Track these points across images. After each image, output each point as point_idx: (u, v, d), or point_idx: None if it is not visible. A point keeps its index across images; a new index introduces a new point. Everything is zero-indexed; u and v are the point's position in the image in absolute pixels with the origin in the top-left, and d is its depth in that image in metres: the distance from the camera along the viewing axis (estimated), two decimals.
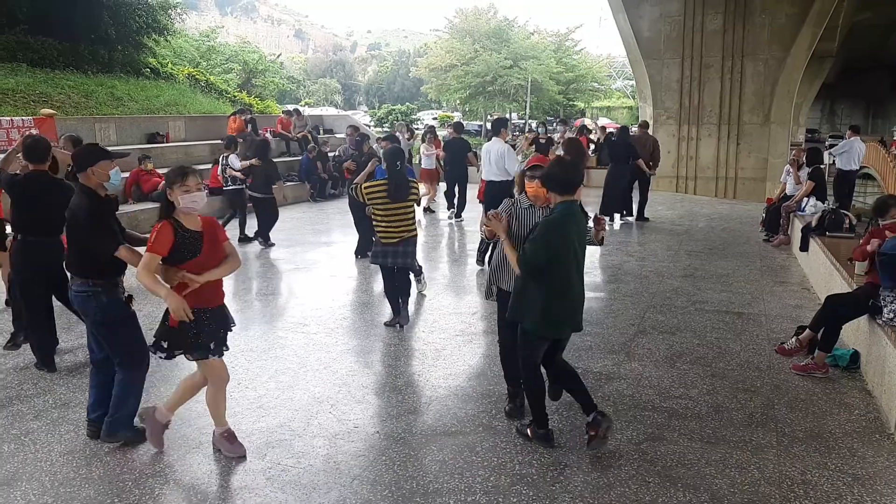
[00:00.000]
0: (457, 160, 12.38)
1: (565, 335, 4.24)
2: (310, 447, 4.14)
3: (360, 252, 9.14)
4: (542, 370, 4.20)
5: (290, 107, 23.72)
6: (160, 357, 3.92)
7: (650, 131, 13.61)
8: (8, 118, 11.86)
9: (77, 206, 3.92)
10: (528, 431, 4.18)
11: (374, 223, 6.29)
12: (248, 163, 10.32)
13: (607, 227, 11.59)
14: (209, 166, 13.60)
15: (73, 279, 4.02)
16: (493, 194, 8.56)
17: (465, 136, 15.83)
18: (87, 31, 17.86)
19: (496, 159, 8.87)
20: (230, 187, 10.63)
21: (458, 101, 48.64)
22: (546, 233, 3.85)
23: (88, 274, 3.96)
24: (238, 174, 10.43)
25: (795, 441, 4.23)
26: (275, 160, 12.10)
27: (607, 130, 24.76)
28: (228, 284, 7.41)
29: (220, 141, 16.08)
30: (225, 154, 10.98)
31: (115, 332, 4.06)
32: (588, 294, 7.54)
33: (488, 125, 45.49)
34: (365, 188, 6.13)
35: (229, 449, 4.01)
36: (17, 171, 5.48)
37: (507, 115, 49.95)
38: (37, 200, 5.13)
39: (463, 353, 5.75)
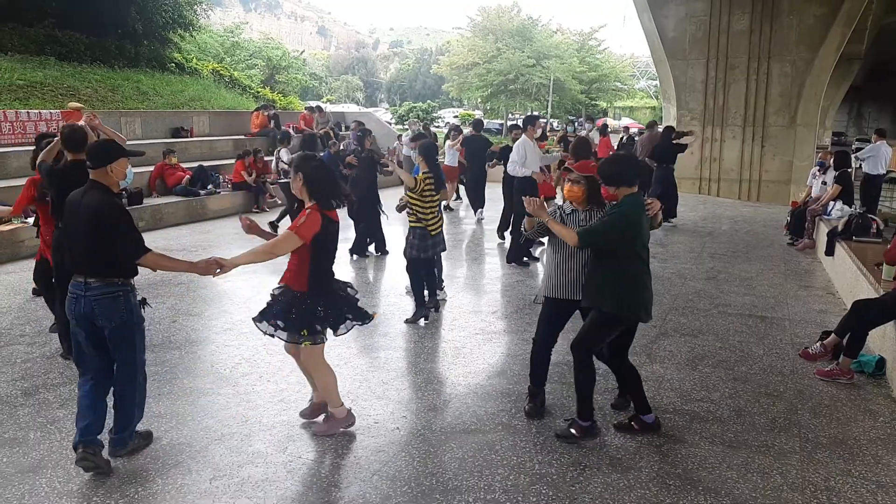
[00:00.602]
0: (476, 158, 12.37)
1: (641, 321, 4.24)
2: (330, 441, 4.17)
3: (356, 251, 9.16)
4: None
5: (313, 103, 23.84)
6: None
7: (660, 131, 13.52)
8: (36, 111, 12.05)
9: (101, 202, 3.73)
10: (573, 430, 4.15)
11: (419, 216, 6.37)
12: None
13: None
14: (232, 161, 13.72)
15: (93, 281, 3.73)
16: (519, 190, 8.62)
17: (486, 134, 15.79)
18: (114, 26, 18.10)
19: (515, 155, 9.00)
20: (282, 180, 10.88)
21: (479, 100, 48.54)
22: (617, 219, 3.91)
23: (117, 273, 3.78)
24: (288, 167, 10.66)
25: (819, 447, 4.18)
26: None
27: (630, 130, 24.70)
28: (245, 281, 7.48)
29: (243, 136, 16.29)
30: (278, 148, 11.55)
31: (134, 336, 3.87)
32: None
33: (510, 123, 45.46)
34: (423, 179, 6.32)
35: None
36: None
37: (529, 114, 49.86)
38: (76, 188, 5.20)
39: (483, 352, 5.75)
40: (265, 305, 4.10)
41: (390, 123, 30.50)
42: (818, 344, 5.65)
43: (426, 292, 6.58)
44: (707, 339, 6.13)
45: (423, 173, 6.38)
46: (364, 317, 4.17)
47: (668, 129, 12.69)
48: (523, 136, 9.09)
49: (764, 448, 4.15)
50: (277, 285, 4.12)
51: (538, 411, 4.51)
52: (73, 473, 3.74)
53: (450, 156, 13.54)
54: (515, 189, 8.88)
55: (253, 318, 4.11)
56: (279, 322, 3.99)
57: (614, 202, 4.00)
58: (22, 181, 5.77)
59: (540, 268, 8.98)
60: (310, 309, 3.96)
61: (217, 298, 7.30)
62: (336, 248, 4.14)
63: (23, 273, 7.94)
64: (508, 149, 11.27)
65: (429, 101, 52.74)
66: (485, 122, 42.37)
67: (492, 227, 11.00)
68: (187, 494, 3.58)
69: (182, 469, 3.82)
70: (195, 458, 3.94)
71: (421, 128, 15.29)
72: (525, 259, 8.94)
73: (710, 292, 7.68)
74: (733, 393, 4.95)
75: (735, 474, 3.84)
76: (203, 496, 3.56)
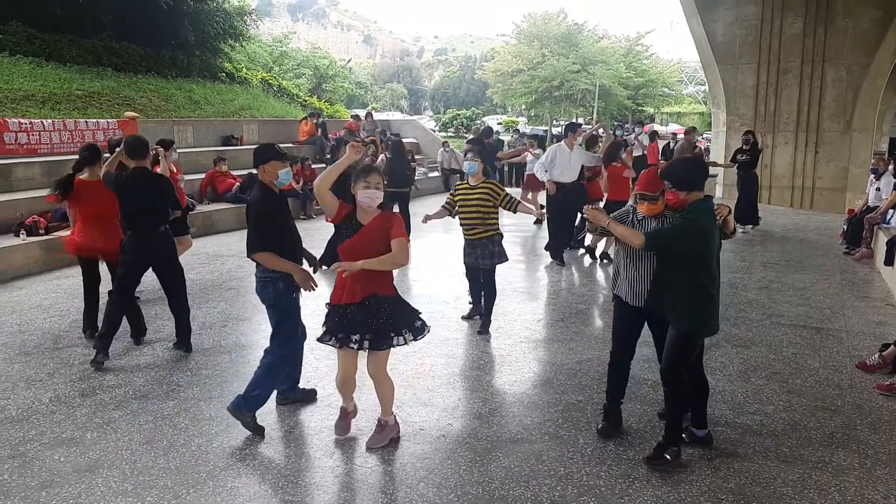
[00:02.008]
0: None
1: (713, 333, 4.10)
2: (377, 447, 4.18)
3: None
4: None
5: (360, 112, 24.09)
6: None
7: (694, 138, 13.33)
8: (94, 120, 12.44)
9: (251, 198, 4.34)
10: (669, 455, 3.91)
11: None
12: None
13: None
14: None
15: (255, 268, 4.38)
16: (564, 195, 8.91)
17: (530, 140, 15.77)
18: (168, 37, 18.59)
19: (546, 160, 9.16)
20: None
21: (523, 106, 48.44)
22: (688, 224, 3.70)
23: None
24: None
25: (879, 463, 4.04)
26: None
27: (678, 136, 24.31)
28: None
29: (291, 144, 16.53)
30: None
31: (281, 318, 4.43)
32: None
33: (554, 130, 45.21)
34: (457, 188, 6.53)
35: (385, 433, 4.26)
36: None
37: (574, 120, 49.53)
38: (140, 195, 5.49)
39: (528, 360, 5.71)
40: (354, 322, 3.94)
41: (434, 131, 30.65)
42: (877, 356, 5.47)
43: (479, 297, 6.68)
44: (760, 350, 5.98)
45: (457, 186, 6.53)
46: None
47: (748, 132, 12.32)
48: (562, 142, 9.19)
49: (821, 464, 4.02)
50: (365, 298, 3.92)
51: (613, 431, 4.30)
52: (127, 473, 3.84)
53: (532, 164, 12.91)
54: (549, 198, 9.14)
55: (373, 345, 4.00)
56: (372, 333, 3.95)
57: (682, 209, 3.81)
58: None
59: (578, 274, 8.90)
60: (405, 310, 4.11)
61: None
62: None
63: (79, 277, 8.17)
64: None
65: (473, 108, 52.84)
66: (529, 128, 42.33)
67: (522, 234, 10.96)
68: (237, 497, 3.63)
69: (232, 472, 3.88)
70: (244, 462, 4.00)
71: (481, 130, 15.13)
72: (563, 255, 9.31)
73: (763, 302, 7.49)
74: (788, 406, 4.82)
75: (791, 490, 3.73)
76: (253, 499, 3.61)
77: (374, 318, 3.94)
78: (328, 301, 4.11)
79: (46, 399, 4.84)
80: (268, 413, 4.62)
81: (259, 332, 6.42)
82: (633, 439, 4.28)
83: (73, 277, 8.31)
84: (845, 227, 10.84)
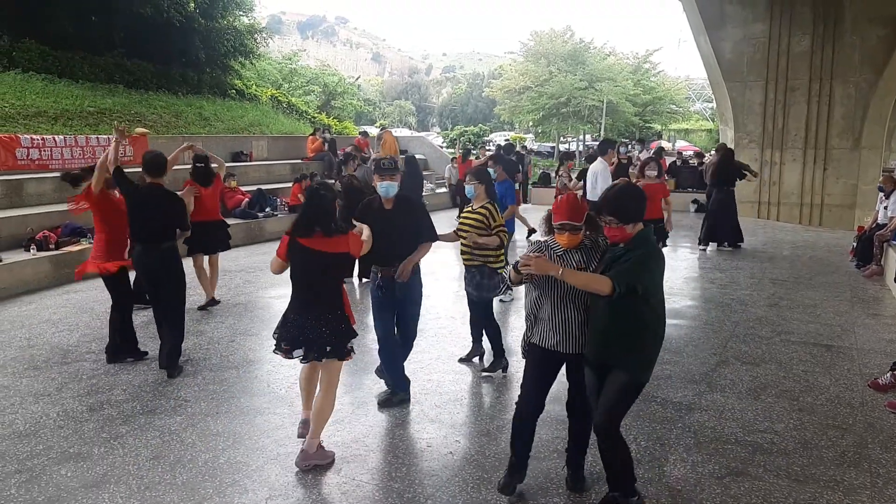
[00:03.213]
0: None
1: None
2: (383, 464, 4.17)
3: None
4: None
5: (372, 128, 24.19)
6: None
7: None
8: (105, 136, 12.55)
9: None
10: None
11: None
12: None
13: (706, 252, 11.45)
14: (289, 185, 14.02)
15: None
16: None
17: (536, 158, 15.82)
18: (179, 54, 18.81)
19: (603, 180, 8.64)
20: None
21: (530, 123, 48.53)
22: (649, 259, 3.36)
23: None
24: None
25: (891, 483, 3.99)
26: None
27: (684, 154, 24.30)
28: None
29: (300, 160, 16.63)
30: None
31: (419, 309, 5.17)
32: (668, 321, 7.36)
33: (561, 147, 45.25)
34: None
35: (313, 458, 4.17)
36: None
37: (581, 137, 49.59)
38: (152, 210, 5.64)
39: None
40: (314, 336, 4.03)
41: (442, 147, 30.74)
42: (889, 374, 5.42)
43: (478, 334, 6.04)
44: (770, 367, 5.93)
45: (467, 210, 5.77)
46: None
47: (729, 151, 12.32)
48: (599, 160, 8.79)
49: (833, 483, 3.97)
50: (331, 314, 4.09)
51: (511, 487, 3.76)
52: (134, 489, 3.83)
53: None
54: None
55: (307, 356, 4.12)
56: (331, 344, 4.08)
57: (630, 244, 3.40)
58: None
59: None
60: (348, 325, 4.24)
61: (273, 319, 7.37)
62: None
63: (90, 292, 8.23)
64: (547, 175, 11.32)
65: (480, 125, 53.03)
66: (536, 145, 42.37)
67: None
68: None
69: (238, 488, 3.87)
70: (251, 478, 3.99)
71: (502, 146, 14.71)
72: None
73: (773, 319, 7.45)
74: (799, 424, 4.77)
75: None
76: None
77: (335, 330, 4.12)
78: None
79: (54, 414, 4.85)
80: (275, 429, 4.61)
81: (266, 347, 6.41)
82: (643, 456, 4.24)
83: (81, 292, 8.35)
84: (855, 245, 10.79)
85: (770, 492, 3.86)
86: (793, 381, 5.60)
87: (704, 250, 11.81)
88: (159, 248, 5.65)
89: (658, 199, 8.52)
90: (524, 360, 3.85)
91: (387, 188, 4.86)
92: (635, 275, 3.27)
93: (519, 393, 3.82)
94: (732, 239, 11.94)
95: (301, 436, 4.37)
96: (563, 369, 3.77)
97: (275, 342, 4.16)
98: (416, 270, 5.03)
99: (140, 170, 5.89)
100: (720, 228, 11.86)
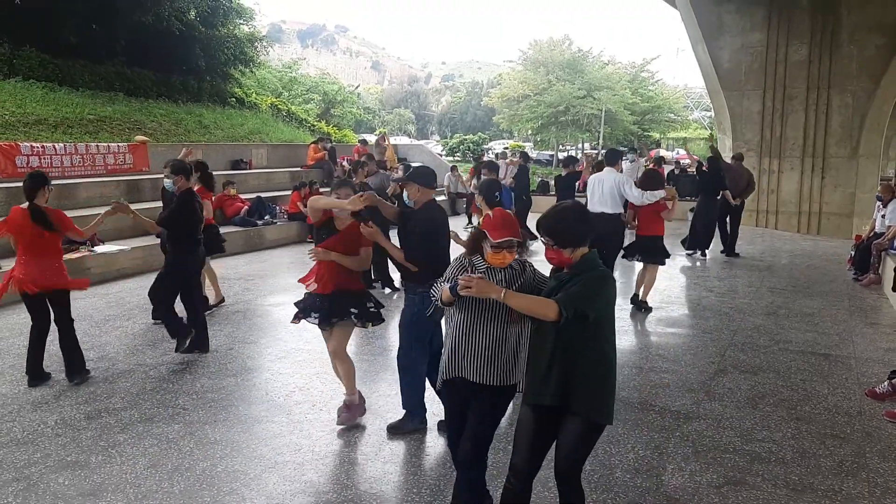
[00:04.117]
0: (525, 187, 12.56)
1: None
2: (382, 472, 4.17)
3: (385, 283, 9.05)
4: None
5: (370, 135, 24.23)
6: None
7: (743, 163, 13.28)
8: (105, 144, 12.59)
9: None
10: None
11: None
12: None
13: (698, 261, 11.41)
14: (289, 193, 14.04)
15: None
16: (604, 229, 7.56)
17: (537, 166, 15.93)
18: (179, 62, 18.86)
19: (609, 190, 8.01)
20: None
21: (529, 131, 48.65)
22: (599, 283, 3.00)
23: None
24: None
25: (889, 492, 3.99)
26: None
27: (681, 162, 24.33)
28: None
29: (299, 168, 16.66)
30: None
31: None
32: (666, 329, 7.41)
33: (560, 155, 45.28)
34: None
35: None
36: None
37: (580, 146, 49.67)
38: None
39: None
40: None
41: (441, 155, 30.80)
42: (886, 383, 5.42)
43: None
44: (768, 376, 5.94)
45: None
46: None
47: (714, 159, 12.31)
48: (607, 169, 8.31)
49: (831, 492, 3.97)
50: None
51: None
52: (132, 497, 3.83)
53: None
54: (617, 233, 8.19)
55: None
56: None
57: (575, 268, 3.06)
58: (92, 210, 6.03)
59: None
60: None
61: (271, 327, 7.42)
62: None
63: (89, 300, 8.23)
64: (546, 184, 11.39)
65: (479, 133, 53.12)
66: (535, 153, 42.41)
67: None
68: None
69: (236, 497, 3.86)
70: (249, 486, 3.98)
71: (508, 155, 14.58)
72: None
73: (770, 328, 7.46)
74: (797, 433, 4.77)
75: None
76: None
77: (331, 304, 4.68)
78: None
79: (52, 422, 4.84)
80: (273, 438, 4.61)
81: (265, 355, 6.42)
82: (641, 466, 4.25)
83: (80, 300, 8.33)
84: (853, 253, 10.81)
85: (768, 501, 3.86)
86: (791, 390, 5.60)
87: (704, 258, 11.92)
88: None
89: (660, 215, 8.05)
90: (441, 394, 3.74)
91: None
92: (584, 299, 2.90)
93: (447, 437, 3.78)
94: (700, 245, 11.94)
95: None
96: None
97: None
98: (414, 291, 4.67)
99: (141, 177, 5.98)
100: (699, 234, 11.86)
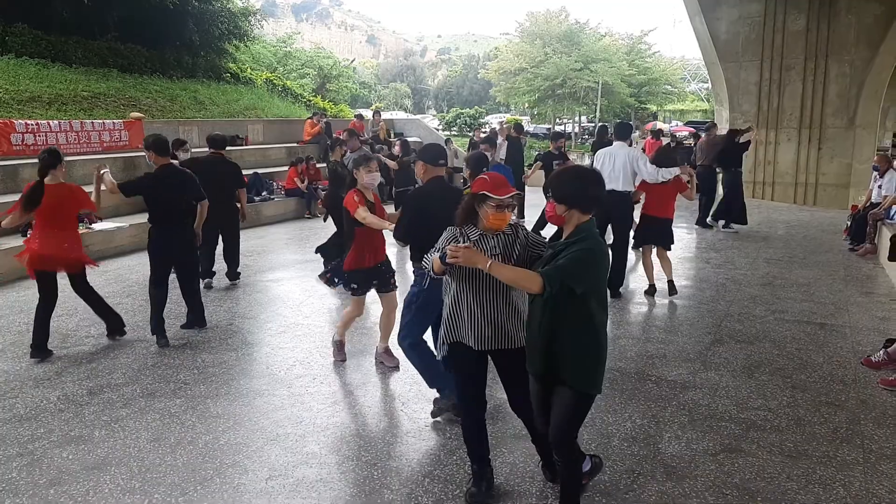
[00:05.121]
0: (518, 163, 12.57)
1: None
2: (382, 443, 4.22)
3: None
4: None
5: (366, 110, 24.10)
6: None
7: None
8: (100, 121, 12.50)
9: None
10: None
11: None
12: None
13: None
14: (285, 168, 14.00)
15: None
16: (615, 206, 7.37)
17: (534, 140, 15.88)
18: (173, 38, 18.67)
19: (622, 166, 7.45)
20: None
21: (526, 105, 48.39)
22: (588, 254, 2.96)
23: None
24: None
25: (883, 458, 4.05)
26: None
27: (678, 135, 24.27)
28: (297, 285, 7.61)
29: (295, 144, 16.59)
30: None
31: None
32: (662, 300, 7.45)
33: (557, 128, 45.06)
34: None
35: (388, 361, 5.44)
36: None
37: (577, 118, 49.44)
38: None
39: None
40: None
41: (438, 129, 30.66)
42: (881, 352, 5.47)
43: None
44: (764, 346, 5.99)
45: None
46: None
47: (731, 132, 12.36)
48: (617, 143, 7.80)
49: (825, 459, 4.03)
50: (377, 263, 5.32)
51: (486, 496, 3.56)
52: (135, 471, 3.88)
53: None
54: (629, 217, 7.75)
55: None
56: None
57: (571, 237, 3.05)
58: (89, 189, 6.00)
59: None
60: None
61: (271, 302, 7.45)
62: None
63: (89, 276, 8.22)
64: (550, 155, 11.27)
65: (476, 107, 52.82)
66: (532, 127, 42.26)
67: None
68: (244, 493, 3.66)
69: (239, 469, 3.91)
70: (251, 458, 4.03)
71: (497, 129, 14.35)
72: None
73: (767, 298, 7.50)
74: (792, 402, 4.83)
75: (795, 485, 3.74)
76: (259, 495, 3.64)
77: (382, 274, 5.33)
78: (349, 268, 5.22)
79: (54, 398, 4.88)
80: (274, 411, 4.66)
81: (265, 329, 6.46)
82: (637, 434, 4.30)
83: None
84: (849, 224, 10.84)
85: (763, 468, 3.92)
86: (786, 359, 5.66)
87: (712, 227, 12.03)
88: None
89: (674, 196, 7.60)
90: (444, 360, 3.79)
91: None
92: (571, 273, 2.89)
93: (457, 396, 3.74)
94: (740, 219, 12.00)
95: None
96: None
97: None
98: (419, 270, 4.59)
99: (138, 154, 5.99)
100: (731, 208, 11.93)
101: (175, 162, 6.94)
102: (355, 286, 5.27)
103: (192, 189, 6.14)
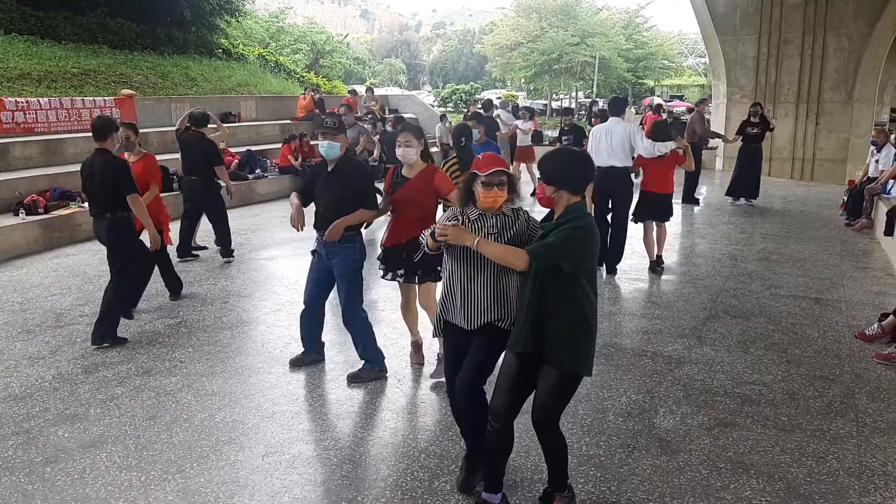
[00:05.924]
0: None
1: None
2: (379, 420, 4.23)
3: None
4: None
5: (360, 86, 23.92)
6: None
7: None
8: (90, 98, 12.37)
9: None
10: None
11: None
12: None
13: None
14: (279, 146, 13.91)
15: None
16: (615, 183, 7.34)
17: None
18: (163, 13, 18.40)
19: (620, 142, 7.30)
20: None
21: (522, 80, 48.07)
22: (578, 233, 2.94)
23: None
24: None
25: (876, 431, 4.07)
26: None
27: (675, 110, 24.14)
28: (291, 262, 7.59)
29: (289, 121, 16.47)
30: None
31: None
32: (658, 277, 7.44)
33: (554, 104, 44.83)
34: (450, 166, 5.50)
35: (414, 357, 5.09)
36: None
37: (573, 94, 49.16)
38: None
39: None
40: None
41: (433, 105, 30.46)
42: (876, 325, 5.49)
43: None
44: (759, 321, 6.00)
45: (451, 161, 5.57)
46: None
47: (756, 104, 12.34)
48: (613, 119, 7.55)
49: (819, 432, 4.05)
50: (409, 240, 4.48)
51: (476, 476, 3.45)
52: (131, 448, 3.88)
53: (523, 137, 13.53)
54: (603, 183, 7.33)
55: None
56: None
57: (561, 217, 3.02)
58: (77, 167, 5.94)
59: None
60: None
61: (266, 280, 7.43)
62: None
63: (81, 255, 8.22)
64: (562, 131, 11.23)
65: (472, 83, 52.45)
66: (529, 102, 42.03)
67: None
68: (241, 470, 3.67)
69: (235, 445, 3.92)
70: (248, 435, 4.03)
71: (480, 108, 14.48)
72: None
73: (763, 274, 7.51)
74: (786, 376, 4.85)
75: (789, 458, 3.76)
76: (256, 472, 3.65)
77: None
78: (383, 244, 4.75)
79: (49, 376, 4.87)
80: (270, 388, 4.66)
81: (260, 308, 6.45)
82: (633, 409, 4.32)
83: (73, 256, 8.33)
84: (846, 199, 10.83)
85: (758, 441, 3.94)
86: (781, 334, 5.67)
87: (698, 203, 12.11)
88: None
89: (672, 170, 7.56)
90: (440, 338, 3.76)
91: (326, 148, 4.69)
92: (559, 251, 2.89)
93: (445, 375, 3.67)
94: (750, 194, 12.04)
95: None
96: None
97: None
98: (353, 241, 4.66)
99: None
100: (743, 183, 11.98)
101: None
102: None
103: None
